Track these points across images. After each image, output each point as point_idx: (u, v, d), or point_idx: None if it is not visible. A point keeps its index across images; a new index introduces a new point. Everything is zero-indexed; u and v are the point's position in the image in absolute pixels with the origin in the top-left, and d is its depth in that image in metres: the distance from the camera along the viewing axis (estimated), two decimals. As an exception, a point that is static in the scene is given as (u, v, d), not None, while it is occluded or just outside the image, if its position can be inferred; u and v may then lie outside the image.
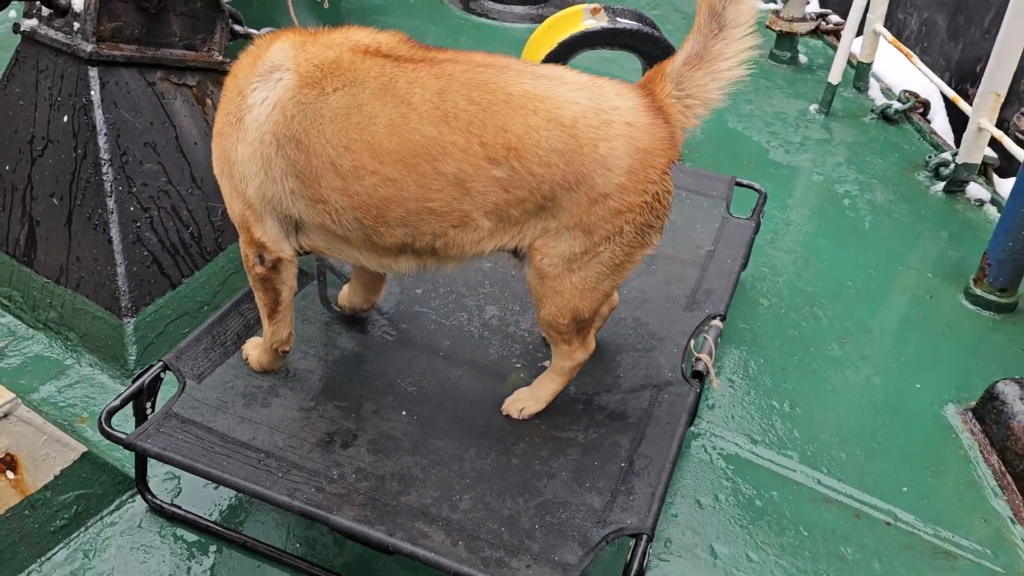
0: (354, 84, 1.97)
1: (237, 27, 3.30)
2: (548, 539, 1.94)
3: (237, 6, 3.82)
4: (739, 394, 2.83)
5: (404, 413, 2.26)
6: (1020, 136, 2.88)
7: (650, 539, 1.92)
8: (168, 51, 2.85)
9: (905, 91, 4.59)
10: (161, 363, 2.22)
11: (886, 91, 4.76)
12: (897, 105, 4.51)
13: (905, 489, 2.55)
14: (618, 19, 3.73)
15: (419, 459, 2.13)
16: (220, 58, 3.04)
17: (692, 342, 2.48)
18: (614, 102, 1.97)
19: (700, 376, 2.39)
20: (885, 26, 4.54)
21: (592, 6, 3.80)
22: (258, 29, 3.44)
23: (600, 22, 3.71)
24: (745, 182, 3.27)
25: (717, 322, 2.55)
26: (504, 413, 2.29)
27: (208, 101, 3.02)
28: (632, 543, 1.92)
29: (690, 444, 2.62)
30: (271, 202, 2.07)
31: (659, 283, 2.78)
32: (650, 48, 3.78)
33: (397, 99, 1.94)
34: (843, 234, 3.71)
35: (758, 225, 3.08)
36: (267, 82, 2.02)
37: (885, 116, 4.53)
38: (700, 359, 2.40)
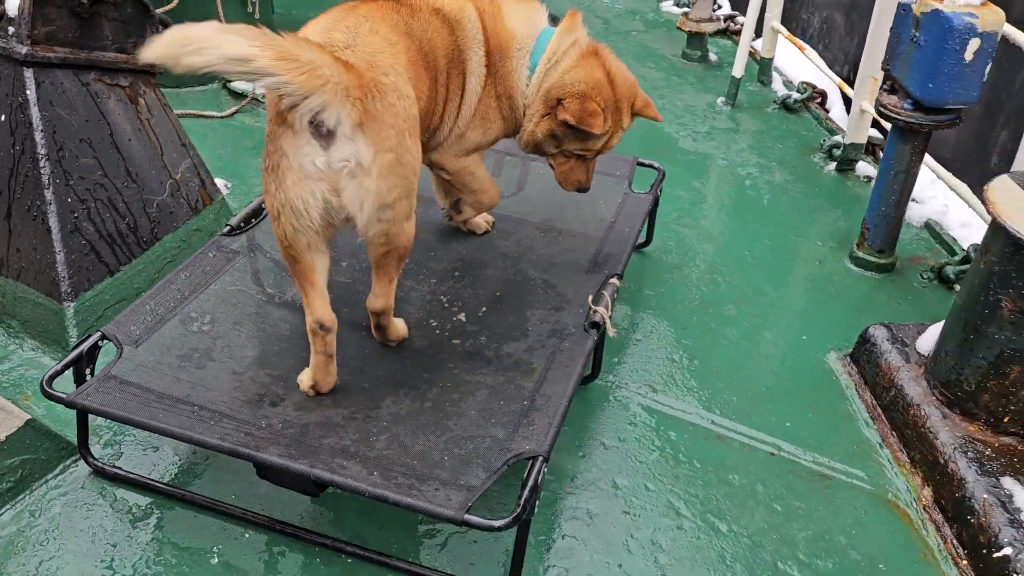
0: None
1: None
2: (455, 467, 2.17)
3: (170, 15, 4.03)
4: (644, 351, 3.10)
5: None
6: (885, 111, 3.21)
7: (545, 460, 2.15)
8: (101, 53, 3.04)
9: (803, 82, 4.96)
10: (100, 332, 2.41)
11: (788, 83, 5.13)
12: (796, 95, 4.87)
13: (788, 424, 2.84)
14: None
15: (340, 411, 2.34)
16: (151, 61, 3.24)
17: (591, 298, 2.74)
18: None
19: (598, 326, 2.65)
20: (790, 26, 4.91)
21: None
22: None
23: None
24: (646, 162, 3.56)
25: (614, 280, 2.82)
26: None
27: (141, 101, 3.21)
28: (529, 464, 2.15)
29: (598, 395, 2.88)
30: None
31: (566, 251, 3.05)
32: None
33: None
34: (744, 211, 4.03)
35: (656, 199, 3.37)
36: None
37: (786, 106, 4.89)
38: (597, 311, 2.66)
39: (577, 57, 2.61)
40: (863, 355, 2.99)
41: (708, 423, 2.82)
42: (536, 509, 2.16)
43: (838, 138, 4.39)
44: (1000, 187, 2.49)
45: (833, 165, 4.34)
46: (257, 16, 4.79)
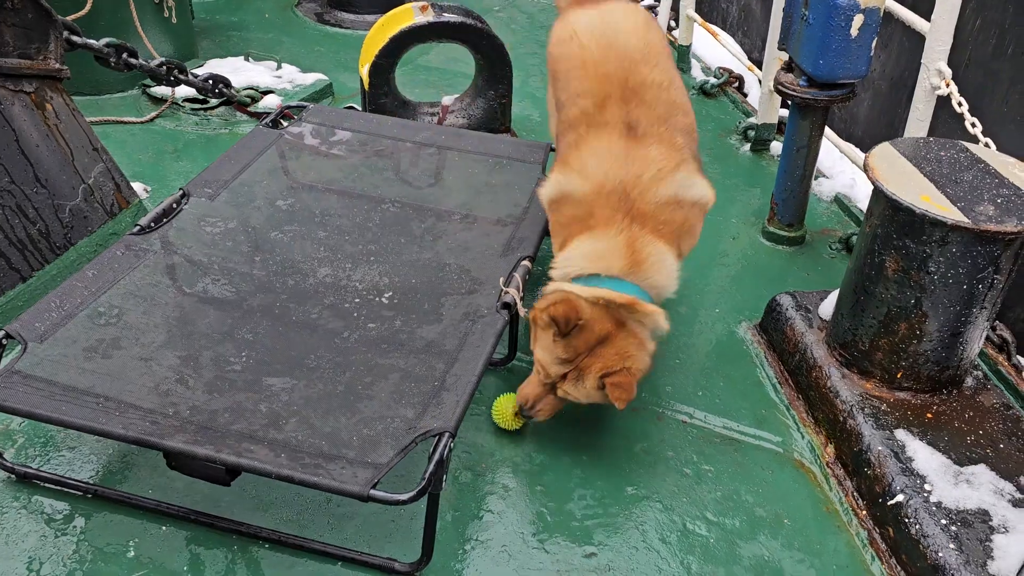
0: None
1: (75, 38, 3.49)
2: (364, 446, 2.21)
3: (83, 21, 4.01)
4: (561, 331, 3.16)
5: (242, 357, 2.48)
6: (782, 88, 3.33)
7: (452, 436, 2.20)
8: (2, 60, 3.02)
9: (720, 68, 5.09)
10: (3, 331, 2.40)
11: (706, 70, 5.26)
12: (713, 80, 5.00)
13: (700, 393, 2.93)
14: (444, 14, 4.07)
15: (251, 395, 2.36)
16: (57, 66, 3.23)
17: (503, 280, 2.80)
18: None
19: (509, 307, 2.71)
20: (711, 16, 5.04)
21: (420, 4, 4.13)
22: (97, 40, 3.65)
23: (427, 17, 4.04)
24: (559, 147, 3.63)
25: (526, 262, 2.88)
26: None
27: (48, 106, 3.20)
28: (435, 439, 2.20)
29: (517, 377, 2.92)
30: None
31: (480, 236, 3.10)
32: (476, 39, 4.13)
33: None
34: (662, 193, 4.12)
35: (569, 182, 3.43)
36: None
37: (703, 91, 5.01)
38: (508, 292, 2.72)
39: None
40: (770, 323, 3.09)
41: (623, 396, 2.90)
42: (446, 485, 2.21)
43: (752, 119, 4.52)
44: (881, 154, 2.61)
45: (748, 146, 4.47)
46: (175, 21, 4.77)
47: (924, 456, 2.45)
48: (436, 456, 2.13)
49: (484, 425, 2.74)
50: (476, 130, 4.14)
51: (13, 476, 2.45)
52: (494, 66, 4.21)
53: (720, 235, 3.80)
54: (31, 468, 2.45)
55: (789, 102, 3.42)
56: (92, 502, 2.40)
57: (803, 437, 2.78)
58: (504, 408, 2.70)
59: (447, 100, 4.38)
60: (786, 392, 2.93)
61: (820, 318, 2.95)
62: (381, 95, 4.14)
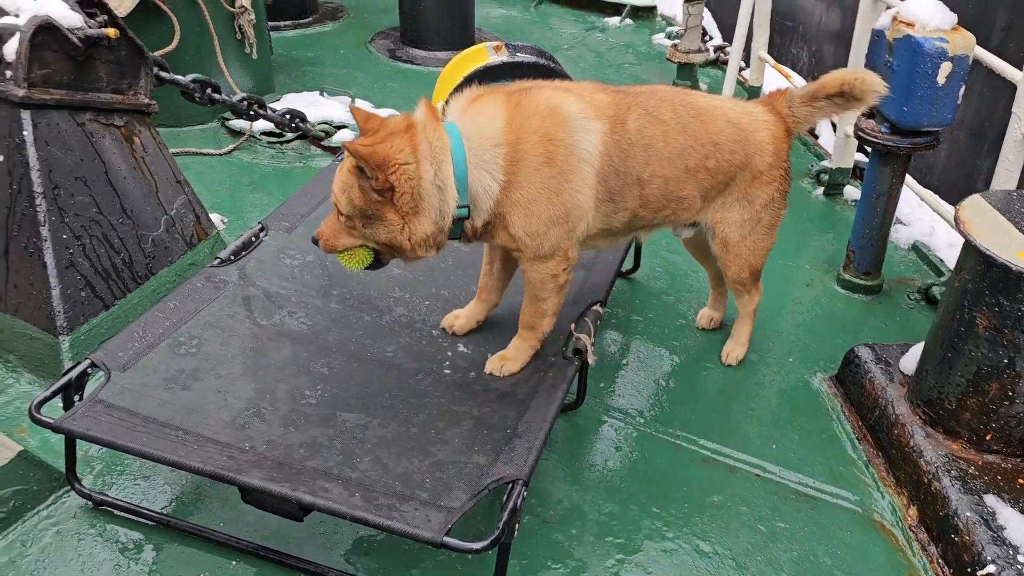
0: (629, 115, 2.55)
1: (163, 73, 3.61)
2: (437, 489, 2.19)
3: (169, 56, 4.16)
4: (631, 376, 3.13)
5: (317, 390, 2.50)
6: (863, 134, 3.26)
7: (525, 484, 2.18)
8: (96, 95, 3.13)
9: (792, 110, 5.02)
10: (88, 360, 2.46)
11: (776, 112, 5.19)
12: (784, 123, 4.93)
13: (774, 446, 2.85)
14: (518, 54, 4.11)
15: (326, 430, 2.38)
16: (146, 100, 3.34)
17: (574, 326, 2.78)
18: (752, 109, 2.77)
19: (580, 353, 2.68)
20: (781, 61, 5.00)
21: (495, 44, 4.17)
22: (183, 76, 3.77)
23: (501, 57, 4.08)
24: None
25: (597, 307, 2.85)
26: (726, 363, 3.16)
27: (136, 140, 3.30)
28: (509, 487, 2.17)
29: (584, 421, 2.90)
30: (589, 224, 2.55)
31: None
32: (549, 79, 4.14)
33: (656, 120, 2.59)
34: (732, 236, 4.06)
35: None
36: (586, 133, 2.45)
37: (774, 133, 4.94)
38: (579, 338, 2.70)
39: None
40: (848, 376, 3.00)
41: (694, 446, 2.84)
42: (517, 533, 2.18)
43: (826, 163, 4.44)
44: (972, 206, 2.53)
45: (821, 190, 4.39)
46: (255, 57, 4.91)
47: (1017, 525, 2.33)
48: (510, 505, 2.11)
49: (552, 471, 2.71)
50: (545, 169, 4.14)
51: (90, 503, 2.49)
52: (565, 106, 4.22)
53: (792, 281, 3.73)
54: (107, 496, 2.49)
55: (868, 148, 3.35)
56: (164, 532, 2.43)
57: (883, 497, 2.68)
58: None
59: (517, 138, 4.39)
60: (865, 448, 2.83)
61: (902, 372, 2.85)
62: (453, 133, 4.17)
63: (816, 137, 4.98)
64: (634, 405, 2.99)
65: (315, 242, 2.45)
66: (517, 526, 2.13)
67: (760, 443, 2.85)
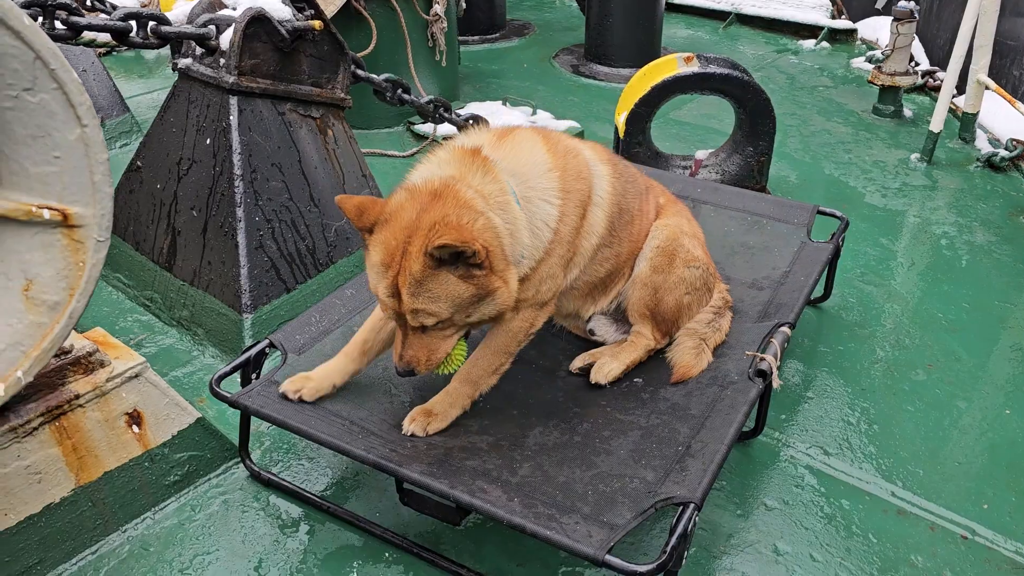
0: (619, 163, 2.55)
1: (359, 71, 3.72)
2: (599, 503, 2.05)
3: (365, 60, 4.29)
4: (816, 410, 2.85)
5: (477, 403, 2.43)
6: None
7: (697, 508, 1.99)
8: (297, 86, 3.26)
9: (1013, 139, 4.52)
10: (267, 340, 2.51)
11: (993, 141, 4.70)
12: (1004, 153, 4.44)
13: (986, 507, 2.49)
14: (710, 65, 3.93)
15: (486, 437, 2.29)
16: (342, 95, 3.44)
17: (758, 346, 2.56)
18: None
19: (764, 375, 2.46)
20: (998, 83, 4.52)
21: (685, 55, 4.02)
22: (377, 75, 3.87)
23: (692, 68, 3.92)
24: (827, 210, 3.33)
25: (785, 328, 2.61)
26: (593, 381, 2.52)
27: (329, 132, 3.41)
28: (679, 510, 1.99)
29: (761, 452, 2.66)
30: (577, 275, 2.43)
31: (734, 299, 2.87)
32: (740, 92, 3.94)
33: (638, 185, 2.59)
34: (937, 271, 3.67)
35: (837, 248, 3.13)
36: (599, 178, 2.40)
37: (991, 164, 4.47)
38: (764, 359, 2.47)
39: None
40: (1081, 436, 2.59)
41: (888, 495, 2.53)
42: (684, 561, 1.99)
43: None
44: None
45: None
46: (444, 64, 5.01)
47: None
48: (679, 529, 1.93)
49: (724, 501, 2.49)
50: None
51: (257, 478, 2.54)
52: (756, 121, 4.00)
53: (1011, 325, 3.30)
54: (273, 474, 2.52)
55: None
56: (323, 515, 2.43)
57: (1123, 581, 2.26)
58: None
59: (701, 154, 4.21)
60: (1100, 522, 2.41)
61: None
62: (635, 144, 4.05)
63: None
64: (818, 441, 2.71)
65: (410, 373, 2.09)
66: (686, 554, 1.95)
67: (969, 501, 2.50)
